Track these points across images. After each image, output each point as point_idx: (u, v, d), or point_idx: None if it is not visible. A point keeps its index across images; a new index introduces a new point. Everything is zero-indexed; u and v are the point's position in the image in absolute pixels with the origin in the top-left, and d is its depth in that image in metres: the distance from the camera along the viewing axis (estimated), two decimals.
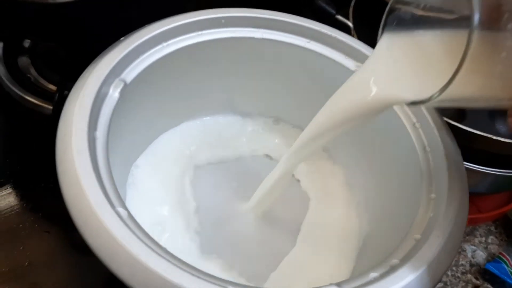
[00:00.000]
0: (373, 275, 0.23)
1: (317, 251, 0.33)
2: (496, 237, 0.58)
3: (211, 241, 0.31)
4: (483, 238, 0.58)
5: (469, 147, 0.36)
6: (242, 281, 0.27)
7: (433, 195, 0.27)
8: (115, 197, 0.23)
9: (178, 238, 0.31)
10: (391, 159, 0.32)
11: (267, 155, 0.38)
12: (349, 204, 0.36)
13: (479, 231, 0.59)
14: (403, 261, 0.23)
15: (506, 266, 0.52)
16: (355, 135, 0.36)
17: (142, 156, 0.35)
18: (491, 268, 0.53)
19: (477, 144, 0.44)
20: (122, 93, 0.28)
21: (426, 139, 0.30)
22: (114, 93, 0.28)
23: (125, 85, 0.29)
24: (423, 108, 0.31)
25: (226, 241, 0.32)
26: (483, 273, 0.54)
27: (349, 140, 0.36)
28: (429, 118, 0.30)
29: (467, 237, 0.58)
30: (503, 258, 0.54)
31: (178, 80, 0.34)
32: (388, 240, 0.28)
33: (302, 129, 0.39)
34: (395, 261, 0.24)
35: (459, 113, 0.48)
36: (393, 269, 0.23)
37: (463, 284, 0.53)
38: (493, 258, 0.55)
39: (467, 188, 0.27)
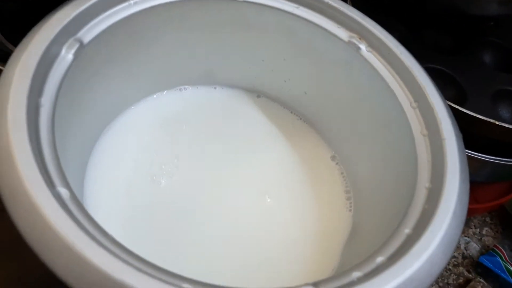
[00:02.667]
0: (356, 274, 0.20)
1: (296, 243, 0.29)
2: (491, 229, 0.56)
3: (172, 232, 0.28)
4: (478, 230, 0.55)
5: (469, 133, 0.32)
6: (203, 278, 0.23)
7: (428, 184, 0.24)
8: (58, 175, 0.20)
9: (135, 226, 0.27)
10: (384, 142, 0.29)
11: (247, 131, 0.35)
12: (336, 191, 0.32)
13: (473, 221, 0.56)
14: (391, 260, 0.20)
15: (500, 260, 0.50)
16: (346, 114, 0.32)
17: (107, 131, 0.32)
18: (485, 261, 0.50)
19: (478, 129, 0.40)
20: (77, 55, 0.24)
21: (423, 121, 0.27)
22: (67, 55, 0.24)
23: (81, 46, 0.25)
24: (421, 86, 0.28)
25: (189, 234, 0.28)
26: (476, 266, 0.51)
27: (339, 119, 0.33)
28: (428, 98, 0.27)
29: None
30: (498, 251, 0.51)
31: (148, 45, 0.30)
32: (378, 233, 0.25)
33: (285, 105, 0.37)
34: (381, 259, 0.21)
35: (460, 96, 0.44)
36: (378, 268, 0.20)
37: (455, 277, 0.50)
38: (487, 251, 0.53)
39: (468, 178, 0.24)
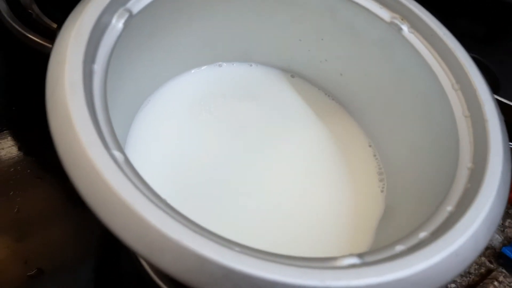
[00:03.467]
0: (399, 248, 0.20)
1: (329, 221, 0.30)
2: None
3: (215, 203, 0.28)
4: (501, 221, 0.55)
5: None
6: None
7: (470, 165, 0.24)
8: (111, 139, 0.20)
9: (177, 196, 0.28)
10: (423, 124, 0.29)
11: (281, 111, 0.35)
12: (369, 173, 0.32)
13: None
14: (435, 235, 0.20)
15: None
16: (384, 96, 0.32)
17: (147, 103, 0.32)
18: (507, 252, 0.50)
19: (510, 117, 0.40)
20: (126, 25, 0.25)
21: (466, 103, 0.27)
22: (117, 24, 0.24)
23: (131, 15, 0.25)
24: (464, 68, 0.28)
25: (230, 206, 0.29)
26: (498, 257, 0.51)
27: (375, 101, 0.33)
28: (471, 80, 0.27)
29: None
30: None
31: (191, 19, 0.30)
32: (413, 214, 0.25)
33: (320, 86, 0.37)
34: (424, 234, 0.21)
35: (493, 85, 0.44)
36: (422, 243, 0.20)
37: (476, 266, 0.50)
38: (509, 242, 0.53)
39: (510, 159, 0.24)
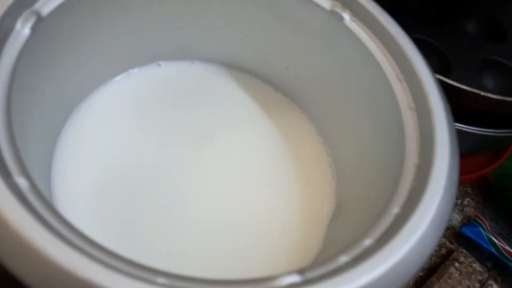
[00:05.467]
0: (343, 259, 0.19)
1: (278, 222, 0.28)
2: (473, 199, 0.56)
3: (147, 219, 0.26)
4: (459, 200, 0.55)
5: (452, 104, 0.31)
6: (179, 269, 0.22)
7: (417, 161, 0.23)
8: (15, 164, 0.18)
9: (107, 216, 0.25)
10: (369, 116, 0.28)
11: (227, 107, 0.33)
12: (319, 168, 0.31)
13: None
14: (380, 242, 0.19)
15: (482, 230, 0.50)
16: (330, 87, 0.31)
17: (76, 113, 0.29)
18: (467, 232, 0.50)
19: (462, 100, 0.39)
20: (35, 29, 0.22)
21: (411, 94, 0.25)
22: (23, 29, 0.22)
23: (39, 19, 0.22)
24: (408, 57, 0.26)
25: (164, 219, 0.26)
26: (458, 237, 0.52)
27: (322, 93, 0.31)
28: (415, 69, 0.26)
29: None
30: (480, 221, 0.51)
31: (115, 17, 0.28)
32: (363, 212, 0.24)
33: (265, 80, 0.35)
34: (369, 241, 0.19)
35: (444, 67, 0.43)
36: (366, 252, 0.19)
37: (437, 248, 0.51)
38: (469, 221, 0.53)
39: (458, 152, 0.23)
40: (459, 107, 0.40)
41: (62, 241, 0.16)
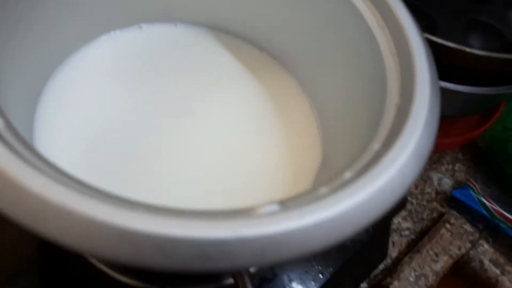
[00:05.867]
0: (322, 190, 0.19)
1: (265, 175, 0.28)
2: (463, 165, 0.56)
3: (132, 166, 0.26)
4: (450, 166, 0.56)
5: (439, 62, 0.31)
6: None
7: (398, 100, 0.23)
8: None
9: (89, 162, 0.25)
10: (351, 64, 0.28)
11: (211, 69, 0.33)
12: (305, 121, 0.31)
13: (446, 158, 0.56)
14: (358, 175, 0.19)
15: (473, 193, 0.50)
16: (310, 41, 0.30)
17: (62, 68, 0.29)
18: (458, 195, 0.51)
19: (448, 58, 0.39)
20: None
21: (392, 40, 0.25)
22: None
23: None
24: (389, 4, 0.26)
25: (149, 168, 0.26)
26: (450, 200, 0.52)
27: (304, 47, 0.31)
28: (396, 16, 0.25)
29: (434, 165, 0.55)
30: (470, 185, 0.52)
31: None
32: (349, 158, 0.24)
33: (248, 40, 0.34)
34: (349, 174, 0.19)
35: (430, 28, 0.43)
36: (345, 183, 0.19)
37: (428, 212, 0.51)
38: (460, 186, 0.53)
39: (438, 90, 0.23)
40: (447, 66, 0.40)
41: (35, 169, 0.15)
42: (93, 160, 0.25)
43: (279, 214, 0.17)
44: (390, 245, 0.47)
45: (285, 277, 0.33)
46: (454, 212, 0.50)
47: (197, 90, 0.32)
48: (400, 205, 0.39)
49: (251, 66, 0.34)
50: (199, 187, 0.26)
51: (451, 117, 0.47)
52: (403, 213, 0.50)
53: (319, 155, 0.30)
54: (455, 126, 0.51)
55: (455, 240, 0.47)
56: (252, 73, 0.34)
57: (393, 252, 0.47)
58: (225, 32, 0.35)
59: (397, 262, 0.46)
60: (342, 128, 0.29)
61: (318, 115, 0.31)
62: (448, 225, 0.48)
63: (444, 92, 0.42)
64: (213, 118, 0.30)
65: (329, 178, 0.20)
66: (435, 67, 0.25)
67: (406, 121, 0.21)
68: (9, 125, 0.18)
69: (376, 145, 0.21)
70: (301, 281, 0.33)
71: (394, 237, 0.48)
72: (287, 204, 0.18)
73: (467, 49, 0.38)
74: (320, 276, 0.33)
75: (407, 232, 0.49)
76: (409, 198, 0.51)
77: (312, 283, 0.33)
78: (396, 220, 0.49)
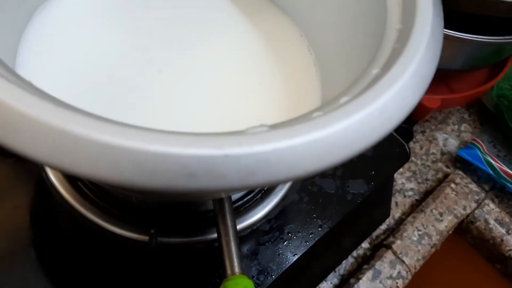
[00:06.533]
0: (317, 114, 0.17)
1: (263, 118, 0.27)
2: (470, 125, 0.55)
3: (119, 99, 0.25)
4: (456, 126, 0.54)
5: (448, 11, 0.30)
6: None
7: (399, 25, 0.21)
8: None
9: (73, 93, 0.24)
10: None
11: (205, 12, 0.31)
12: (302, 62, 0.30)
13: (451, 119, 0.55)
14: (353, 98, 0.18)
15: (479, 152, 0.49)
16: None
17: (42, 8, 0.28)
18: (463, 154, 0.49)
19: (458, 5, 0.38)
20: None
21: None
22: None
23: None
24: None
25: (139, 102, 0.25)
26: (455, 160, 0.51)
27: None
28: None
29: (439, 125, 0.54)
30: (477, 144, 0.50)
31: None
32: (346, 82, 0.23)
33: None
34: (346, 98, 0.18)
35: None
36: (339, 106, 0.17)
37: (433, 172, 0.50)
38: (465, 146, 0.52)
39: (441, 15, 0.22)
40: (456, 13, 0.38)
41: (8, 81, 0.14)
42: (81, 88, 0.24)
43: (267, 133, 0.16)
44: (393, 205, 0.46)
45: (282, 229, 0.32)
46: (460, 172, 0.48)
47: (192, 30, 0.30)
48: (402, 159, 0.38)
49: (247, 8, 0.33)
50: (190, 118, 0.25)
51: (457, 71, 0.46)
52: (407, 174, 0.49)
53: (318, 94, 0.29)
54: (462, 82, 0.50)
55: (460, 199, 0.46)
56: (248, 14, 0.32)
57: (396, 213, 0.46)
58: None
59: (400, 222, 0.45)
60: (342, 62, 0.27)
61: (316, 52, 0.30)
62: (453, 185, 0.47)
63: (449, 41, 0.41)
64: (210, 62, 0.29)
65: (324, 103, 0.18)
66: None
67: (406, 44, 0.19)
68: None
69: (375, 70, 0.20)
70: (299, 234, 0.32)
71: (398, 198, 0.47)
72: (276, 126, 0.17)
73: None
74: (319, 229, 0.33)
75: (411, 193, 0.48)
76: (413, 159, 0.50)
77: (311, 236, 0.32)
78: (400, 180, 0.48)
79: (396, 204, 0.46)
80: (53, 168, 0.14)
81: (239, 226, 0.30)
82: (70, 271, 0.30)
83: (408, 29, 0.20)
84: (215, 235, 0.27)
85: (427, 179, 0.49)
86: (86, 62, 0.26)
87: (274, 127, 0.16)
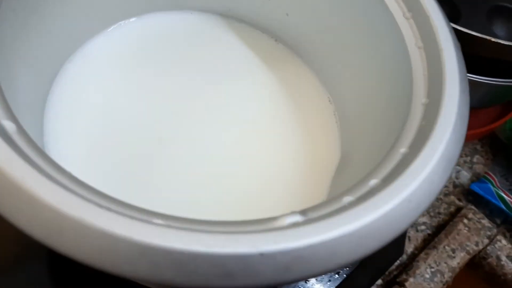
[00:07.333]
0: (347, 199, 0.18)
1: (282, 173, 0.27)
2: (482, 156, 0.55)
3: (143, 167, 0.25)
4: (468, 158, 0.54)
5: (462, 53, 0.30)
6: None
7: (425, 100, 0.21)
8: (1, 107, 0.17)
9: (101, 163, 0.25)
10: (374, 59, 0.26)
11: (225, 59, 0.32)
12: (322, 117, 0.30)
13: (464, 150, 0.55)
14: (386, 182, 0.18)
15: (491, 186, 0.49)
16: (332, 33, 0.29)
17: (70, 61, 0.28)
18: (476, 188, 0.49)
19: (472, 48, 0.38)
20: None
21: (419, 33, 0.24)
22: None
23: None
24: None
25: (162, 168, 0.25)
26: (467, 194, 0.51)
27: (324, 40, 0.30)
28: (423, 6, 0.24)
29: None
30: (489, 178, 0.50)
31: None
32: (370, 159, 0.23)
33: (264, 30, 0.33)
34: (375, 181, 0.19)
35: (453, 14, 0.41)
36: (373, 191, 0.18)
37: (446, 206, 0.50)
38: (478, 179, 0.52)
39: (467, 90, 0.22)
40: (470, 56, 0.38)
41: (50, 181, 0.15)
42: (102, 160, 0.25)
43: (302, 226, 0.16)
44: (406, 240, 0.46)
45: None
46: (472, 207, 0.49)
47: (211, 81, 0.31)
48: None
49: (266, 57, 0.33)
50: (212, 184, 0.25)
51: (470, 108, 0.46)
52: None
53: (337, 150, 0.29)
54: (476, 117, 0.50)
55: (472, 235, 0.46)
56: (267, 64, 0.33)
57: (409, 248, 0.46)
58: (239, 20, 0.34)
59: (413, 258, 0.45)
60: (362, 124, 0.27)
61: (337, 108, 0.30)
62: (465, 220, 0.47)
63: None
64: (228, 111, 0.29)
65: (353, 185, 0.19)
66: (463, 63, 0.24)
67: (434, 124, 0.20)
68: (21, 129, 0.17)
69: (402, 149, 0.20)
70: (318, 281, 0.32)
71: (410, 232, 0.47)
72: (309, 214, 0.17)
73: (492, 39, 0.36)
74: (336, 276, 0.33)
75: (423, 227, 0.48)
76: None
77: (328, 283, 0.33)
78: None
79: (409, 239, 0.46)
80: (95, 268, 0.14)
81: None
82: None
83: (435, 107, 0.20)
84: None
85: (439, 213, 0.49)
86: (106, 127, 0.26)
87: (306, 217, 0.17)
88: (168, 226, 0.15)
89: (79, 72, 0.28)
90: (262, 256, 0.15)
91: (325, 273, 0.16)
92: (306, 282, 0.32)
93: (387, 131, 0.24)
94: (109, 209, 0.15)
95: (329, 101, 0.31)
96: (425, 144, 0.19)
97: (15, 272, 0.30)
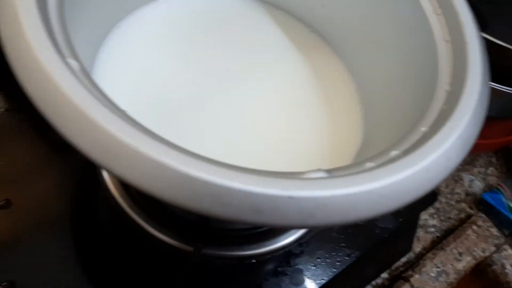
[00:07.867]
0: (369, 164, 0.19)
1: (306, 154, 0.29)
2: (496, 169, 0.56)
3: (181, 123, 0.27)
4: (483, 169, 0.55)
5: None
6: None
7: (448, 87, 0.23)
8: (67, 47, 0.19)
9: (143, 112, 0.27)
10: (403, 50, 0.28)
11: (259, 43, 0.34)
12: (348, 102, 0.32)
13: (479, 161, 0.56)
14: (406, 153, 0.20)
15: (503, 198, 0.50)
16: (364, 24, 0.31)
17: (119, 27, 0.30)
18: (488, 198, 0.50)
19: (497, 57, 0.39)
20: None
21: (447, 27, 0.26)
22: None
23: None
24: None
25: (208, 125, 0.28)
26: (479, 203, 0.52)
27: (357, 30, 0.31)
28: (453, 3, 0.26)
29: (466, 166, 0.55)
30: (501, 189, 0.51)
31: None
32: (393, 137, 0.24)
33: (299, 18, 0.35)
34: (396, 152, 0.20)
35: (480, 21, 0.43)
36: (392, 159, 0.19)
37: (456, 212, 0.51)
38: (490, 189, 0.53)
39: (488, 83, 0.23)
40: (494, 64, 0.40)
41: (111, 112, 0.17)
42: (148, 111, 0.27)
43: (327, 179, 0.18)
44: (415, 240, 0.47)
45: (312, 254, 0.34)
46: (482, 215, 0.50)
47: (244, 64, 0.33)
48: (430, 199, 0.39)
49: (299, 44, 0.35)
50: (246, 148, 0.27)
51: (490, 118, 0.47)
52: (431, 210, 0.50)
53: (360, 136, 0.31)
54: (493, 128, 0.51)
55: (480, 242, 0.47)
56: (300, 50, 0.34)
57: (417, 247, 0.47)
58: (277, 7, 0.36)
59: (420, 257, 0.46)
60: (386, 112, 0.29)
61: (362, 98, 0.32)
62: (474, 227, 0.48)
63: None
64: (259, 94, 0.31)
65: (375, 154, 0.20)
66: (487, 57, 0.25)
67: (455, 108, 0.21)
68: (83, 69, 0.19)
69: (423, 128, 0.21)
70: (328, 260, 0.34)
71: (420, 233, 0.48)
72: (333, 172, 0.19)
73: None
74: (346, 258, 0.34)
75: (432, 229, 0.49)
76: (438, 196, 0.51)
77: (337, 264, 0.34)
78: (423, 216, 0.49)
79: (418, 239, 0.48)
80: (141, 191, 0.16)
81: (272, 247, 0.32)
82: (105, 266, 0.33)
83: (457, 93, 0.22)
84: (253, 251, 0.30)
85: (449, 218, 0.50)
86: (156, 86, 0.28)
87: (331, 174, 0.19)
88: (210, 162, 0.17)
89: (127, 36, 0.30)
90: (291, 199, 0.17)
91: (345, 223, 0.18)
92: (316, 259, 0.33)
93: (410, 115, 0.25)
94: (160, 141, 0.17)
95: (356, 90, 0.32)
96: (444, 124, 0.21)
97: (37, 244, 0.31)
